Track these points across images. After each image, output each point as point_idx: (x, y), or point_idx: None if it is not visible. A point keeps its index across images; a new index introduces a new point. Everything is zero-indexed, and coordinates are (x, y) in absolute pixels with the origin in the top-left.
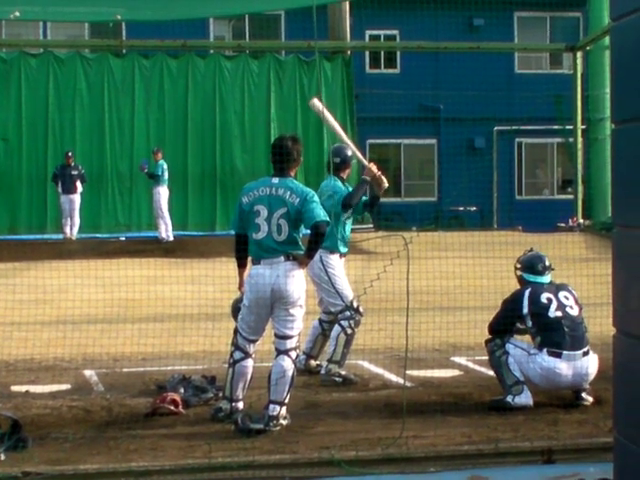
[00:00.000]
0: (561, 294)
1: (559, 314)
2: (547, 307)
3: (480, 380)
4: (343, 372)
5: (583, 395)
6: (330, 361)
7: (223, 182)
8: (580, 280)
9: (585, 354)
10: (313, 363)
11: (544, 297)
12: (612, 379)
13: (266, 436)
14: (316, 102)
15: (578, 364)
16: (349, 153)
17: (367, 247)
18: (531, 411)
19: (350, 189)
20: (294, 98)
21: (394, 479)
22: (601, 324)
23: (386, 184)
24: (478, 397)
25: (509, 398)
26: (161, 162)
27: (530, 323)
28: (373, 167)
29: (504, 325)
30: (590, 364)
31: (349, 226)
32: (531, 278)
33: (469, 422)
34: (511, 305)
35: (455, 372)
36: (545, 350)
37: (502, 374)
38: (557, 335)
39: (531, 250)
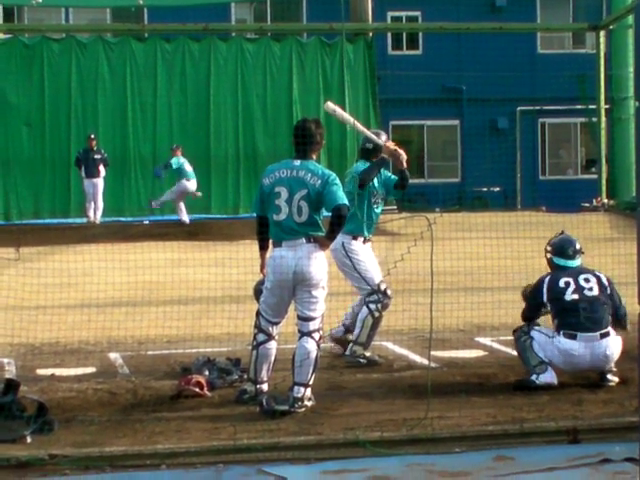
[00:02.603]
0: (581, 277)
1: (575, 297)
2: (564, 291)
3: (504, 360)
4: (368, 354)
5: (608, 376)
6: (355, 343)
7: (246, 165)
8: (605, 260)
9: (604, 335)
10: (350, 337)
11: (562, 282)
12: (637, 358)
13: (291, 418)
14: (330, 104)
15: (596, 345)
16: (383, 138)
17: (391, 228)
18: (556, 391)
19: (383, 175)
20: (316, 80)
21: (419, 460)
22: (626, 304)
23: (404, 156)
24: (503, 377)
25: (533, 377)
26: (175, 159)
27: (550, 308)
28: (390, 144)
29: (532, 314)
30: (610, 345)
31: (380, 209)
32: (561, 262)
33: (494, 402)
34: (532, 295)
35: (479, 352)
36: (562, 332)
37: (526, 356)
38: (572, 317)
39: (562, 233)
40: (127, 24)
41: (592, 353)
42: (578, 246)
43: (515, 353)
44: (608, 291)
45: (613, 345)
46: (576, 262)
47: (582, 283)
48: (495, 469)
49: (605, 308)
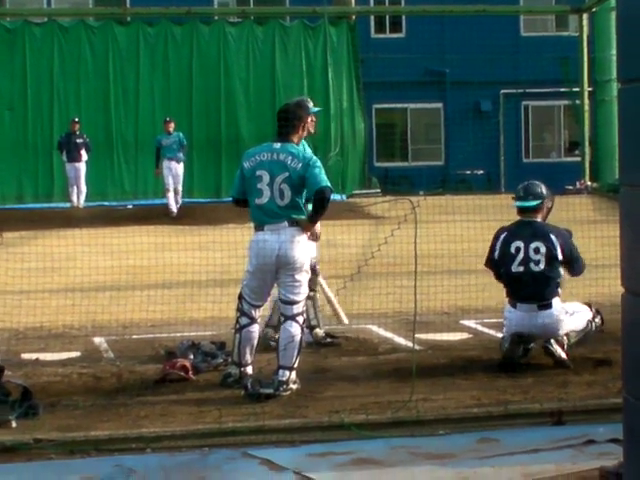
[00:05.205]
0: (533, 245)
1: (521, 269)
2: (513, 259)
3: (489, 343)
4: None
5: (549, 346)
6: (310, 327)
7: (228, 149)
8: (588, 242)
9: (543, 307)
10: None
11: (514, 246)
12: (621, 339)
13: (276, 401)
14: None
15: (533, 315)
16: (310, 105)
17: (375, 212)
18: (540, 373)
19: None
20: (299, 64)
21: (404, 442)
22: (610, 285)
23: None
24: (487, 360)
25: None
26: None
27: (501, 268)
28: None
29: (488, 265)
30: (548, 316)
31: None
32: (517, 203)
33: (478, 385)
34: (490, 247)
35: (464, 335)
36: (507, 300)
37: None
38: (516, 287)
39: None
40: (109, 8)
41: (530, 323)
42: (538, 189)
43: (499, 335)
44: (559, 258)
45: (552, 316)
46: (529, 203)
47: (531, 254)
48: (479, 451)
49: (549, 281)
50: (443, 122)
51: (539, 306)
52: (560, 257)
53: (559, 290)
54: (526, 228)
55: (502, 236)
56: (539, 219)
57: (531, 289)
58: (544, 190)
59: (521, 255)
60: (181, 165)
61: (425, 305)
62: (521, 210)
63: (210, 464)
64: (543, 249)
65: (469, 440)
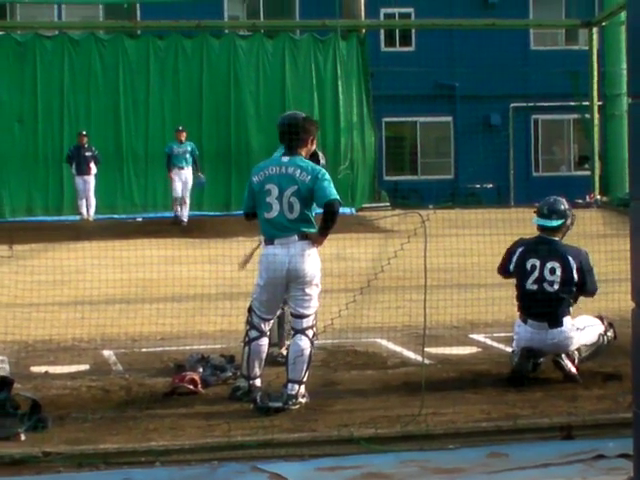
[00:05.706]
0: (549, 265)
1: (534, 288)
2: (527, 276)
3: (498, 357)
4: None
5: (559, 360)
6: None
7: (238, 162)
8: (598, 256)
9: (554, 326)
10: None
11: (529, 263)
12: (630, 353)
13: (285, 414)
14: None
15: (542, 333)
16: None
17: (384, 225)
18: (550, 387)
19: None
20: (309, 77)
21: (413, 456)
22: (619, 300)
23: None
24: (496, 374)
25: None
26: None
27: (515, 281)
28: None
29: (500, 272)
30: (558, 336)
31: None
32: (538, 222)
33: (487, 399)
34: (506, 256)
35: (473, 349)
36: (519, 314)
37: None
38: (528, 304)
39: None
40: (120, 21)
41: (540, 339)
42: (562, 207)
43: (509, 349)
44: (575, 280)
45: (562, 334)
46: (552, 223)
47: (546, 274)
48: (489, 465)
49: (562, 302)
50: (453, 136)
51: (550, 324)
52: (576, 279)
53: (570, 309)
54: (544, 246)
55: (519, 250)
56: (558, 238)
57: (543, 308)
58: (567, 208)
59: (536, 274)
60: (191, 176)
61: (434, 319)
62: (542, 228)
63: (219, 478)
64: (559, 270)
65: (479, 454)
